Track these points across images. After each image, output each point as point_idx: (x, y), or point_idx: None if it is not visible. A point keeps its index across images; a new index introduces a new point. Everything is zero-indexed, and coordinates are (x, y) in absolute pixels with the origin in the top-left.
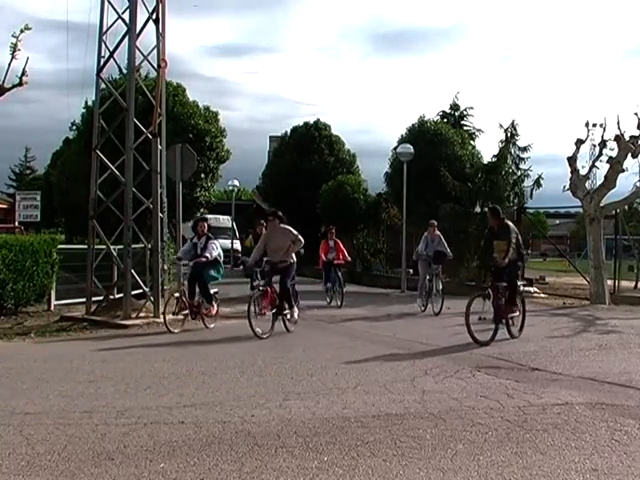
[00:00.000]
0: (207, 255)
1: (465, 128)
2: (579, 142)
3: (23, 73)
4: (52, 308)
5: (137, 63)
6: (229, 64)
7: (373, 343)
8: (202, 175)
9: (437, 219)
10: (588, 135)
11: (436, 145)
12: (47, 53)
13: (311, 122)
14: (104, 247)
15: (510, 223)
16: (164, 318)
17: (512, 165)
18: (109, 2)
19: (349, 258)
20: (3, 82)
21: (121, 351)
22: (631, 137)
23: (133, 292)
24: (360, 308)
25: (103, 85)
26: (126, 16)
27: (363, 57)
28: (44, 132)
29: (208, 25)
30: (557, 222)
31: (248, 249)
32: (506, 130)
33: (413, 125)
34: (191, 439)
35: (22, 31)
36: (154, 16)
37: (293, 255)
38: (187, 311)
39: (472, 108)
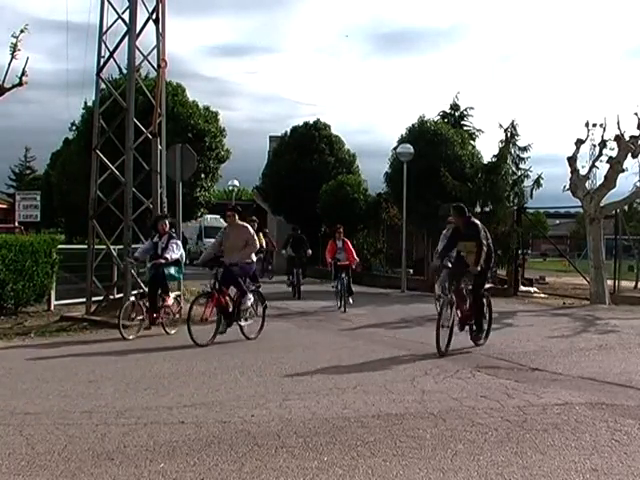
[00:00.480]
0: (167, 256)
1: (465, 128)
2: (579, 142)
3: (23, 73)
4: (52, 308)
5: (137, 63)
6: (229, 64)
7: (373, 343)
8: (202, 175)
9: (437, 219)
10: (588, 135)
11: (436, 145)
12: (47, 53)
13: (311, 122)
14: (104, 247)
15: (478, 222)
16: (119, 323)
17: (512, 165)
18: (109, 2)
19: (358, 260)
20: (3, 82)
21: (121, 351)
22: (631, 137)
23: (133, 292)
24: (360, 308)
25: (103, 85)
26: (126, 16)
27: (363, 57)
28: (44, 132)
29: (208, 25)
30: (557, 222)
31: None
32: (506, 130)
33: (413, 125)
34: (191, 439)
35: (22, 31)
36: (154, 16)
37: (252, 255)
38: (143, 316)
39: (472, 108)
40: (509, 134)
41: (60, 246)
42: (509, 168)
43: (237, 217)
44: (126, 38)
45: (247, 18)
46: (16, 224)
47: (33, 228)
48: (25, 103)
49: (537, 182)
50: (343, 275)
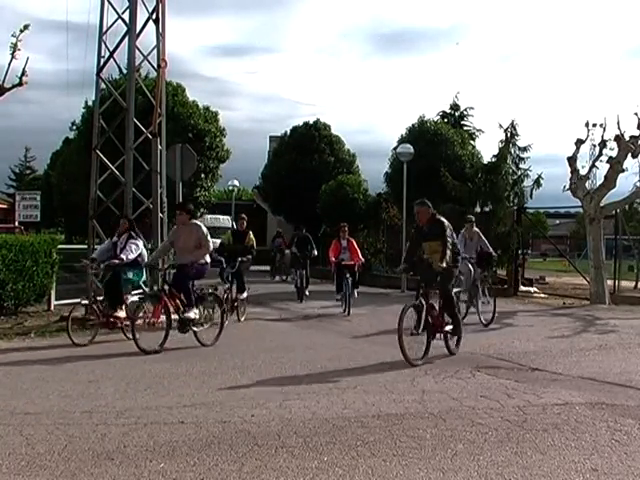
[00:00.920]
0: (122, 257)
1: (465, 128)
2: (579, 142)
3: (23, 73)
4: (52, 308)
5: (137, 63)
6: (229, 64)
7: (374, 343)
8: (202, 175)
9: None
10: (588, 135)
11: (436, 145)
12: (47, 53)
13: (311, 122)
14: None
15: (443, 219)
16: (67, 327)
17: (512, 165)
18: (109, 2)
19: (363, 260)
20: (3, 82)
21: (121, 351)
22: (631, 137)
23: (133, 292)
24: (360, 308)
25: (103, 85)
26: (126, 16)
27: (363, 57)
28: (44, 132)
29: (208, 25)
30: (557, 222)
31: (225, 247)
32: (506, 130)
33: (413, 125)
34: (191, 439)
35: (22, 31)
36: (154, 16)
37: (207, 256)
38: (98, 321)
39: (472, 108)
40: (509, 134)
41: (60, 246)
42: (509, 168)
43: (188, 215)
44: (126, 38)
45: (247, 18)
46: (16, 224)
47: (33, 228)
48: (25, 103)
49: (537, 182)
50: (348, 275)
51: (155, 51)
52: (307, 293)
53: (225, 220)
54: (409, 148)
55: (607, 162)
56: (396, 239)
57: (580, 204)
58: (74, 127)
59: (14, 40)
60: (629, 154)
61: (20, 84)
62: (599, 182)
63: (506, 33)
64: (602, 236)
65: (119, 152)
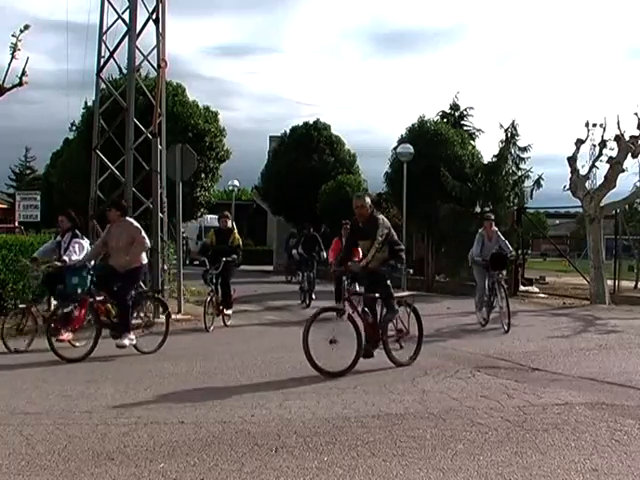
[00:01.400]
0: (65, 259)
1: (465, 128)
2: (579, 142)
3: (23, 73)
4: (52, 308)
5: (137, 63)
6: (229, 64)
7: None
8: (202, 175)
9: (437, 219)
10: (588, 135)
11: (436, 145)
12: (47, 53)
13: (311, 122)
14: None
15: (381, 217)
16: (2, 333)
17: (512, 165)
18: (109, 2)
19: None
20: (3, 82)
21: (120, 351)
22: (631, 137)
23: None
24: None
25: (103, 85)
26: (126, 16)
27: (363, 57)
28: (44, 132)
29: (208, 25)
30: (557, 222)
31: (208, 246)
32: (506, 130)
33: (413, 125)
34: (191, 439)
35: (22, 31)
36: (154, 16)
37: (144, 256)
38: (36, 326)
39: (472, 108)
40: (509, 134)
41: None
42: (509, 168)
43: (118, 212)
44: (126, 38)
45: (248, 18)
46: (16, 224)
47: (33, 228)
48: (25, 103)
49: (537, 182)
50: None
51: (155, 51)
52: (314, 297)
53: None
54: (409, 148)
55: (607, 162)
56: None
57: (580, 204)
58: (73, 127)
59: (14, 40)
60: (629, 154)
61: (20, 84)
62: (599, 182)
63: (506, 33)
64: (602, 236)
65: (119, 152)
